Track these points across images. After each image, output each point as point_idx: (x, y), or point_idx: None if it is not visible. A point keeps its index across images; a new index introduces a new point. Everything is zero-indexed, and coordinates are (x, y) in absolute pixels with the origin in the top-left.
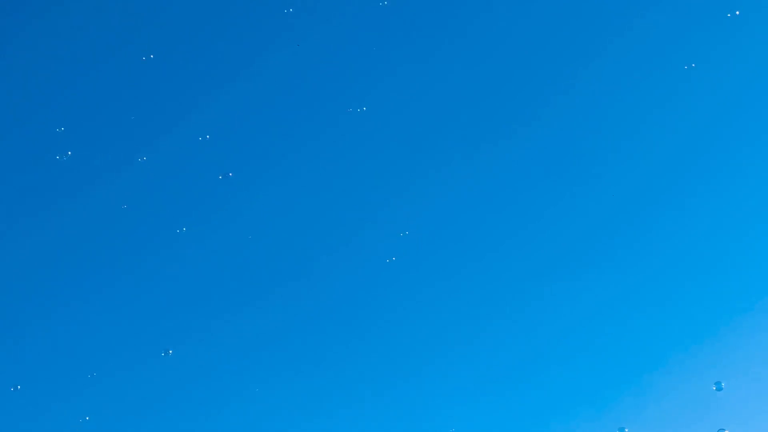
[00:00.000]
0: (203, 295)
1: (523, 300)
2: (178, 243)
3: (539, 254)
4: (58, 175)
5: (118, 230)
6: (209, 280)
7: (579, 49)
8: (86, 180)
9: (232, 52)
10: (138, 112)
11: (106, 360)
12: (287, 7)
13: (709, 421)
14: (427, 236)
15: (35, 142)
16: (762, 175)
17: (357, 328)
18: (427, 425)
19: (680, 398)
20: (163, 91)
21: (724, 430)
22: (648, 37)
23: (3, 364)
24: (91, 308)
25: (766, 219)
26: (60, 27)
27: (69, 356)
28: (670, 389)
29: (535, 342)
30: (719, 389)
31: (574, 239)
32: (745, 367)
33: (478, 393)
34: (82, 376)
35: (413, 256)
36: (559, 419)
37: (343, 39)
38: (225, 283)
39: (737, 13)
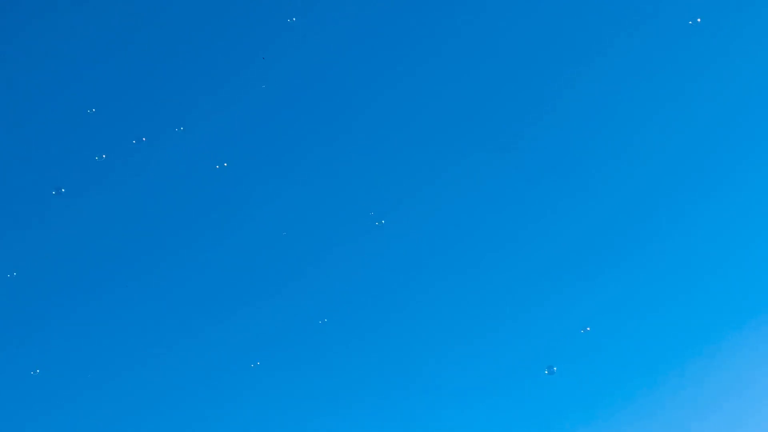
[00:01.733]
0: (200, 297)
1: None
2: (171, 245)
3: (530, 262)
4: (58, 175)
5: (117, 232)
6: (205, 282)
7: (580, 53)
8: (82, 180)
9: (230, 55)
10: (139, 113)
11: (106, 360)
12: (288, 13)
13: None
14: (427, 239)
15: (36, 141)
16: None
17: (359, 330)
18: (430, 427)
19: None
20: (161, 94)
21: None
22: (653, 40)
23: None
24: (90, 309)
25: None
26: (61, 27)
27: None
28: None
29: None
30: (551, 373)
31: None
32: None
33: (474, 396)
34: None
35: (415, 259)
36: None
37: (342, 40)
38: (222, 286)
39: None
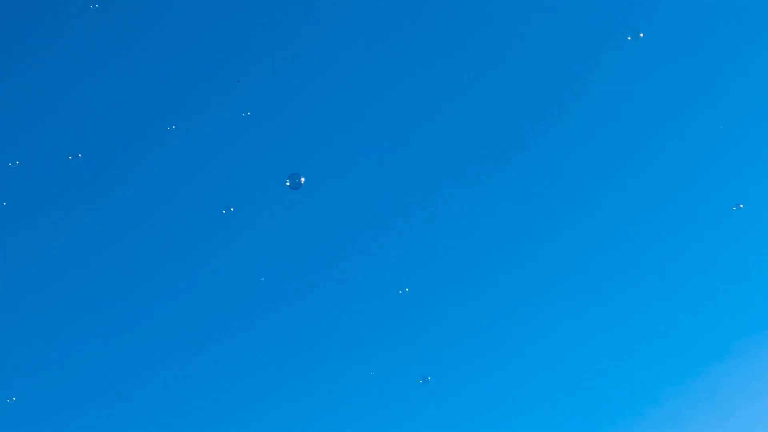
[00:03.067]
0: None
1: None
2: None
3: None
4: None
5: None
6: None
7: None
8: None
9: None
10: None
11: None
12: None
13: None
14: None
15: (40, 143)
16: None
17: (361, 334)
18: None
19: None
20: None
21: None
22: (657, 45)
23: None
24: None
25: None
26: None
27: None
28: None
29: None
30: (426, 383)
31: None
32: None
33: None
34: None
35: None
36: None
37: (343, 43)
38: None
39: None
